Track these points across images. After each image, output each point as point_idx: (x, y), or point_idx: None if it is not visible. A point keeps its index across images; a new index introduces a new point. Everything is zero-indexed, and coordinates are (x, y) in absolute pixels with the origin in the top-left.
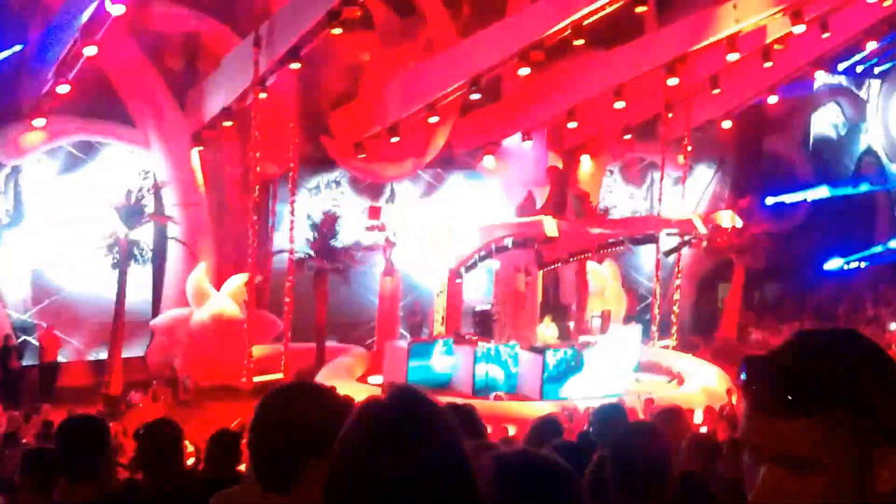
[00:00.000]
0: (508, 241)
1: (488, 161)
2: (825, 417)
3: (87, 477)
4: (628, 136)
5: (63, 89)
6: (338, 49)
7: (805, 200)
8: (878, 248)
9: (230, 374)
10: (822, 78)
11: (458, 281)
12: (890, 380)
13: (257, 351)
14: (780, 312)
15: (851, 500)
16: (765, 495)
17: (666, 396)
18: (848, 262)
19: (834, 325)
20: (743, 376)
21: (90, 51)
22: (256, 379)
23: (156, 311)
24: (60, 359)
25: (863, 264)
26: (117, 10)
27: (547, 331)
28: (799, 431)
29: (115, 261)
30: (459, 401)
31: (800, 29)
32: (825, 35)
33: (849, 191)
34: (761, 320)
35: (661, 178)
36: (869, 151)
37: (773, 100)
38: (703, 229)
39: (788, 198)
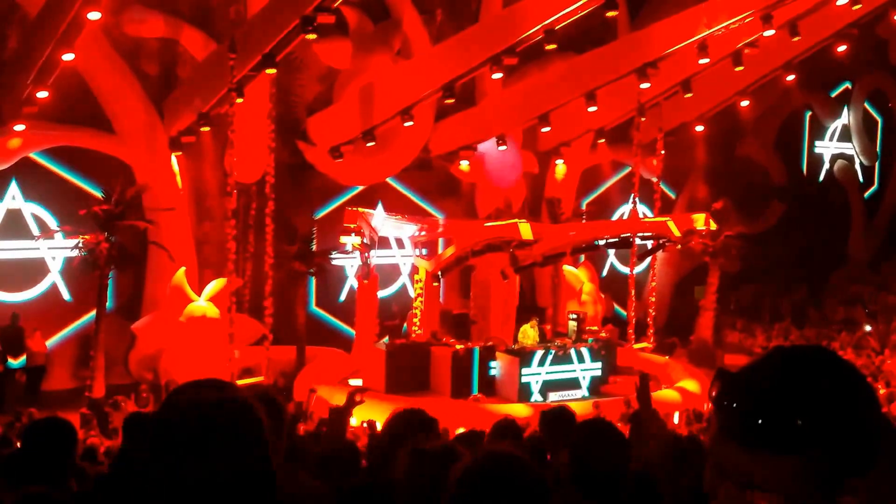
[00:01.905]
0: (484, 245)
1: (464, 165)
2: (787, 458)
3: (54, 478)
4: (602, 141)
5: (42, 95)
6: (314, 54)
7: (778, 203)
8: None
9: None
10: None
11: (435, 284)
12: (865, 415)
13: (238, 354)
14: (756, 314)
15: None
16: None
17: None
18: None
19: (807, 326)
20: (715, 394)
21: (68, 57)
22: (239, 382)
23: (136, 315)
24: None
25: None
26: (94, 15)
27: (532, 332)
28: (768, 466)
29: (96, 265)
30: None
31: (770, 33)
32: (795, 39)
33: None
34: (737, 322)
35: (636, 182)
36: (842, 154)
37: (745, 103)
38: (677, 232)
39: (762, 200)
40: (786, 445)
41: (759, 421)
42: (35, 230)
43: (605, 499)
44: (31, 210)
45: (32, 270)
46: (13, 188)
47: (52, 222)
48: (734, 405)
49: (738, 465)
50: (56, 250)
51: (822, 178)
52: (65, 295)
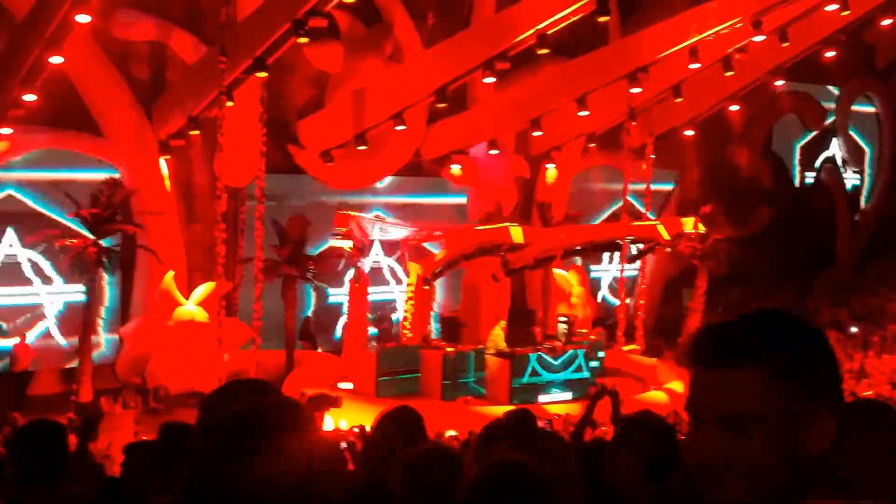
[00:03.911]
0: (476, 249)
1: (455, 169)
2: (758, 371)
3: (47, 482)
4: (592, 145)
5: (30, 98)
6: (304, 57)
7: (766, 207)
8: None
9: (201, 382)
10: (783, 87)
11: (426, 287)
12: (819, 344)
13: (227, 358)
14: None
15: (784, 460)
16: (700, 453)
17: (632, 400)
18: None
19: None
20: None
21: (56, 59)
22: None
23: (125, 318)
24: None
25: None
26: (83, 18)
27: (500, 334)
28: (733, 384)
29: (84, 269)
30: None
31: (760, 38)
32: (785, 44)
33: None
34: None
35: (626, 187)
36: (829, 159)
37: (734, 108)
38: (666, 236)
39: (750, 204)
40: (746, 353)
41: (721, 336)
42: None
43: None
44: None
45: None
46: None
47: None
48: (701, 337)
49: (709, 393)
50: (54, 295)
51: (809, 181)
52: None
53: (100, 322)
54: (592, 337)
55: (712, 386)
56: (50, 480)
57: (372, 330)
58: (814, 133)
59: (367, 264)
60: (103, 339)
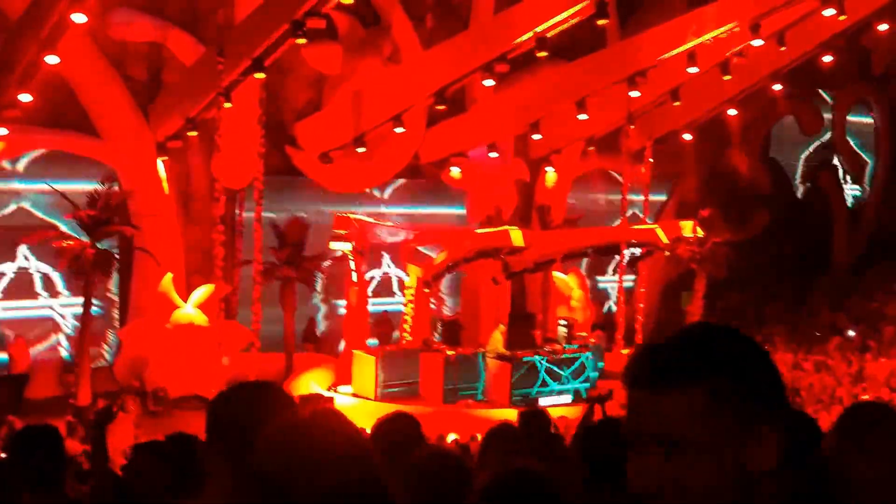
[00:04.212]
0: (476, 252)
1: (454, 172)
2: (696, 393)
3: (46, 486)
4: (591, 148)
5: (26, 98)
6: (302, 59)
7: (764, 210)
8: None
9: (200, 385)
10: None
11: (426, 290)
12: (760, 362)
13: (227, 361)
14: (742, 321)
15: (728, 481)
16: (642, 479)
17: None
18: None
19: (793, 332)
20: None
21: (52, 59)
22: None
23: (123, 321)
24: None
25: None
26: (79, 18)
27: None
28: (671, 407)
29: (81, 271)
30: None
31: (758, 43)
32: (782, 49)
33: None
34: None
35: (625, 190)
36: (826, 164)
37: (732, 112)
38: (665, 239)
39: (748, 208)
40: (683, 375)
41: (657, 357)
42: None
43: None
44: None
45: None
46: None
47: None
48: (638, 357)
49: (648, 417)
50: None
51: (807, 186)
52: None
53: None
54: (592, 340)
55: (650, 409)
56: (48, 483)
57: (371, 340)
58: (811, 136)
59: (371, 271)
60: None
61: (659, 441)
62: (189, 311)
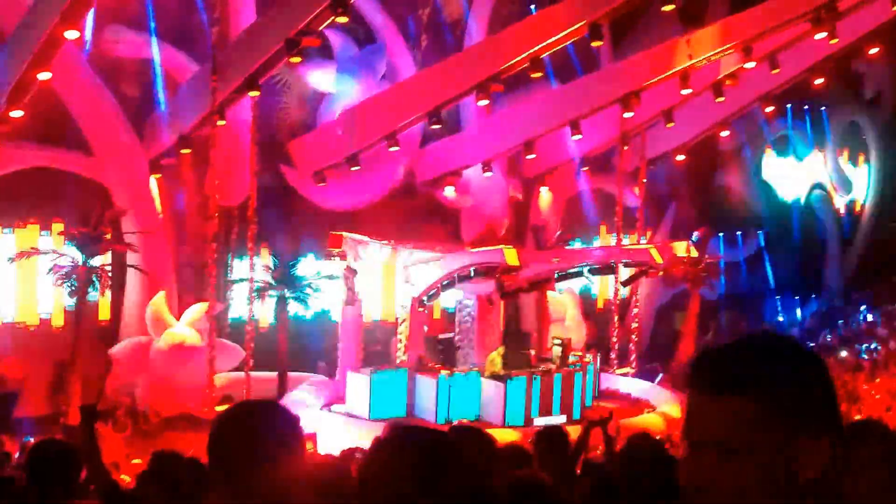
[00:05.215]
0: (471, 271)
1: (449, 191)
2: (751, 400)
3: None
4: (585, 168)
5: (17, 114)
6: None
7: (758, 231)
8: None
9: (191, 404)
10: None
11: (420, 309)
12: (816, 373)
13: (219, 380)
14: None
15: (775, 487)
16: (694, 477)
17: (627, 423)
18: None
19: None
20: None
21: (44, 76)
22: (219, 409)
23: (115, 339)
24: None
25: None
26: (72, 34)
27: (498, 360)
28: (726, 411)
29: (73, 289)
30: None
31: (751, 65)
32: (775, 71)
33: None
34: None
35: (619, 210)
36: (818, 185)
37: (725, 134)
38: (659, 259)
39: (741, 229)
40: (741, 382)
41: (718, 363)
42: None
43: None
44: None
45: None
46: None
47: None
48: (700, 360)
49: (705, 419)
50: None
51: (799, 207)
52: None
53: None
54: (587, 359)
55: (707, 411)
56: (61, 499)
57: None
58: (802, 158)
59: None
60: None
61: (713, 443)
62: (181, 329)
